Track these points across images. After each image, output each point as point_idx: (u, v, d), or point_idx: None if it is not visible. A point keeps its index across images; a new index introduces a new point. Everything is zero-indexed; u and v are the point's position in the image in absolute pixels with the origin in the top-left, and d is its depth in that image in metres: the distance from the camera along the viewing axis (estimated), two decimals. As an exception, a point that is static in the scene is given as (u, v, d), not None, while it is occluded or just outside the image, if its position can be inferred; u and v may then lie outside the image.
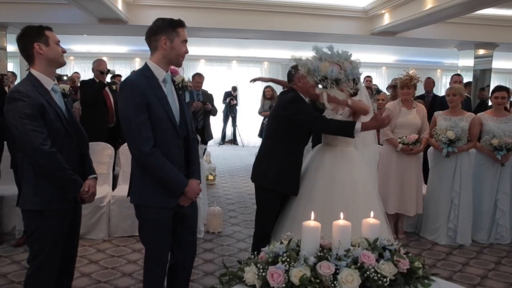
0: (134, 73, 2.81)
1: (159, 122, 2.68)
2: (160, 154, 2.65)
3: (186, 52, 2.78)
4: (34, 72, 2.70)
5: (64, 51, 2.78)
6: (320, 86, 3.26)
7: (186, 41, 2.76)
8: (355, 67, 3.26)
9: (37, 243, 2.70)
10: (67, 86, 2.90)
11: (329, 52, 3.26)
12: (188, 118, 2.91)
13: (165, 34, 2.68)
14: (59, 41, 2.76)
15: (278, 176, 3.55)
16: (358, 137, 3.51)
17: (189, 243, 3.06)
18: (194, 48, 2.81)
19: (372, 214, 2.28)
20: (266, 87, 10.59)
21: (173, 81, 2.92)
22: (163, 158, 2.66)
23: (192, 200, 2.87)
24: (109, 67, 5.96)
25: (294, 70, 3.65)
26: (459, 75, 7.74)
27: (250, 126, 13.61)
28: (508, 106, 5.93)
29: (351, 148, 3.69)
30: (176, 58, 2.76)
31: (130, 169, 5.36)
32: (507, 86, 6.54)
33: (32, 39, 2.65)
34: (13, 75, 9.75)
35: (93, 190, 2.88)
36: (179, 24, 2.73)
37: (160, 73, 2.75)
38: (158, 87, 2.72)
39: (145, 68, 2.76)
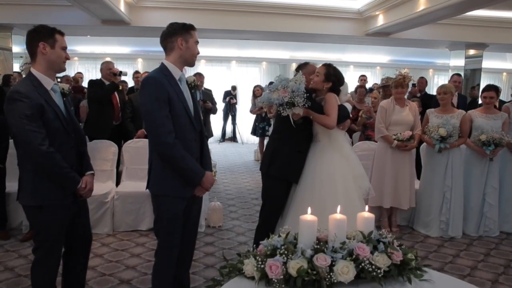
0: (153, 71, 2.88)
1: (178, 117, 2.77)
2: (180, 145, 2.73)
3: (198, 52, 2.91)
4: (34, 71, 2.68)
5: (67, 58, 2.77)
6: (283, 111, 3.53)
7: (197, 42, 2.89)
8: (299, 83, 3.47)
9: (40, 236, 2.77)
10: (66, 86, 2.90)
11: (275, 82, 3.57)
12: (200, 115, 3.05)
13: (181, 35, 2.80)
14: (66, 47, 2.75)
15: (283, 165, 3.72)
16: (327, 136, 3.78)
17: (192, 233, 3.15)
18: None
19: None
20: (255, 86, 10.81)
21: (186, 81, 3.01)
22: (184, 150, 2.75)
23: (207, 190, 2.97)
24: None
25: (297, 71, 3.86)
26: (459, 75, 7.71)
27: (249, 124, 13.58)
28: (497, 104, 5.95)
29: (332, 143, 3.80)
30: (191, 58, 2.88)
31: (133, 166, 5.47)
32: (497, 85, 6.55)
33: (40, 37, 2.64)
34: (20, 75, 9.72)
35: (90, 186, 2.89)
36: (192, 27, 2.86)
37: (176, 72, 2.84)
38: (176, 85, 2.81)
39: (163, 68, 2.83)
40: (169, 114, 2.71)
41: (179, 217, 2.88)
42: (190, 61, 2.89)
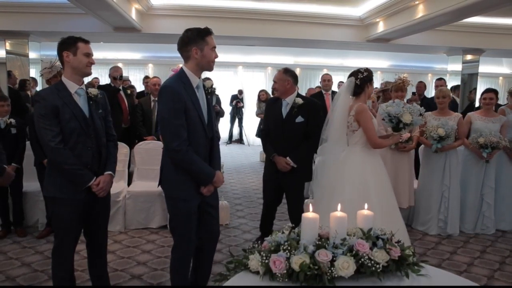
0: (172, 78, 2.86)
1: (193, 125, 2.77)
2: (192, 151, 2.74)
3: (216, 57, 2.85)
4: (63, 77, 2.84)
5: (91, 63, 2.86)
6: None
7: (215, 47, 2.82)
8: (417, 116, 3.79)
9: (54, 225, 2.94)
10: (96, 91, 2.97)
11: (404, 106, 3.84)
12: (213, 120, 3.05)
13: (195, 44, 2.74)
14: (88, 54, 2.83)
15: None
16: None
17: (215, 228, 3.12)
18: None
19: (366, 206, 2.27)
20: (261, 91, 10.85)
21: (203, 86, 2.99)
22: (195, 155, 2.76)
23: (217, 186, 2.98)
24: (124, 73, 6.04)
25: None
26: (440, 79, 7.96)
27: (255, 127, 13.62)
28: (494, 108, 5.93)
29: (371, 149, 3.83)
30: (208, 64, 2.82)
31: (144, 167, 5.51)
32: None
33: (63, 48, 2.79)
34: (34, 80, 9.79)
35: (104, 185, 2.88)
36: (207, 32, 2.78)
37: (194, 80, 2.82)
38: (193, 93, 2.80)
39: (182, 75, 2.81)
40: (184, 123, 2.72)
41: (194, 213, 2.89)
42: (207, 67, 2.84)
